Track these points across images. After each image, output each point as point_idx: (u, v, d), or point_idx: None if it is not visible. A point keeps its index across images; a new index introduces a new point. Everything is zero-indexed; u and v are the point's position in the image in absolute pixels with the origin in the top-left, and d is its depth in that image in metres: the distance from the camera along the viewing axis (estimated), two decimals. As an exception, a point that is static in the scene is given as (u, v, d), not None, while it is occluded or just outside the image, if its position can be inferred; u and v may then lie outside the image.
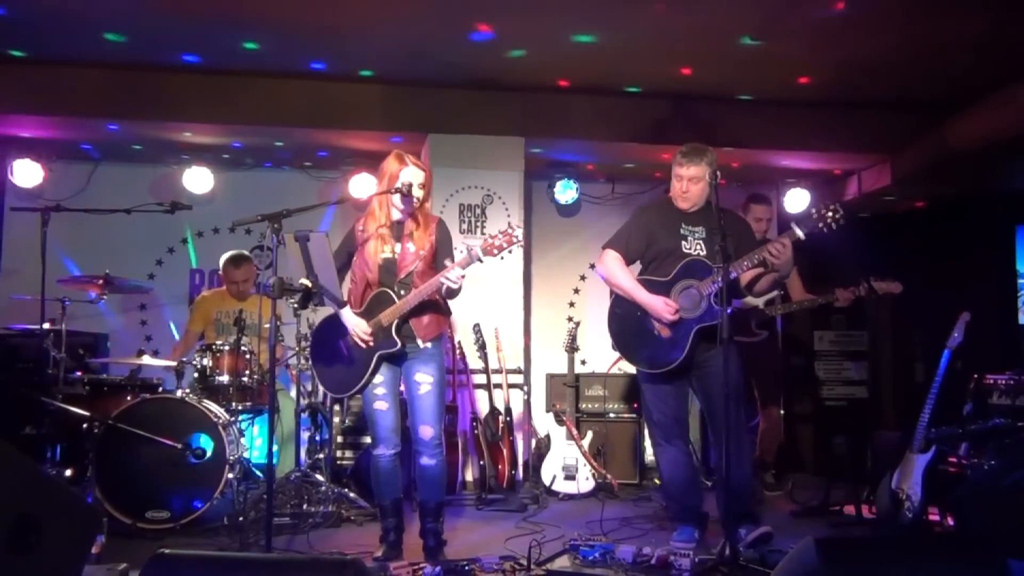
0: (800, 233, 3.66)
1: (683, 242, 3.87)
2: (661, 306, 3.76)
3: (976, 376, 4.85)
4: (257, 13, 4.54)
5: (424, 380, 3.55)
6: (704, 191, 3.87)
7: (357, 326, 3.50)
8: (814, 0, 4.31)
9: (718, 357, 3.56)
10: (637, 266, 4.04)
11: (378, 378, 3.57)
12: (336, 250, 3.65)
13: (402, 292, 3.50)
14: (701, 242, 3.86)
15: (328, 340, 3.68)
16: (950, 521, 4.02)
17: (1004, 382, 4.68)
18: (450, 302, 3.67)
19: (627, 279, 3.90)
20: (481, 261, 3.36)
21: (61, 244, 5.96)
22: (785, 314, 5.17)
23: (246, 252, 5.48)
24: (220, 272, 5.49)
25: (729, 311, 3.54)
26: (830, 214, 3.63)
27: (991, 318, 6.45)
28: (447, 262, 3.48)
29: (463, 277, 3.38)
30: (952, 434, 4.32)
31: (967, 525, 3.77)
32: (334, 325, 3.64)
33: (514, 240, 3.39)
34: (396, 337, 3.48)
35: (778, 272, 3.83)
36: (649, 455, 5.65)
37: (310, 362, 4.33)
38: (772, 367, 5.43)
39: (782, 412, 5.61)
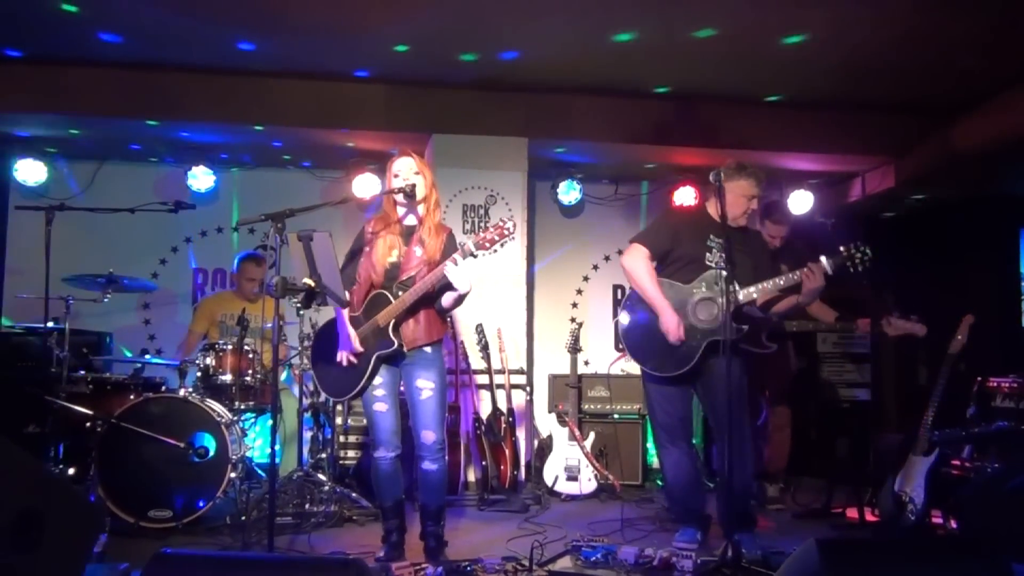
0: (828, 269, 3.70)
1: (707, 253, 3.85)
2: (674, 325, 3.74)
3: (979, 379, 4.85)
4: (261, 12, 4.54)
5: (425, 386, 3.53)
6: None
7: (351, 340, 3.51)
8: (817, 2, 4.31)
9: (722, 362, 3.55)
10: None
11: (377, 380, 3.56)
12: (347, 253, 3.68)
13: (399, 293, 3.48)
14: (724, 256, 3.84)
15: (327, 344, 3.67)
16: (953, 524, 4.01)
17: (1008, 385, 4.68)
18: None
19: (651, 282, 3.84)
20: (475, 256, 3.34)
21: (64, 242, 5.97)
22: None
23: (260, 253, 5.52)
24: (235, 271, 5.48)
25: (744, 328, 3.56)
26: (859, 255, 3.65)
27: (994, 321, 6.44)
28: None
29: (459, 264, 3.28)
30: (955, 437, 4.31)
31: (970, 528, 3.76)
32: (333, 330, 3.63)
33: (506, 232, 3.35)
34: (392, 337, 3.47)
35: (803, 297, 3.82)
36: (652, 456, 5.65)
37: (310, 364, 4.31)
38: (782, 370, 5.36)
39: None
